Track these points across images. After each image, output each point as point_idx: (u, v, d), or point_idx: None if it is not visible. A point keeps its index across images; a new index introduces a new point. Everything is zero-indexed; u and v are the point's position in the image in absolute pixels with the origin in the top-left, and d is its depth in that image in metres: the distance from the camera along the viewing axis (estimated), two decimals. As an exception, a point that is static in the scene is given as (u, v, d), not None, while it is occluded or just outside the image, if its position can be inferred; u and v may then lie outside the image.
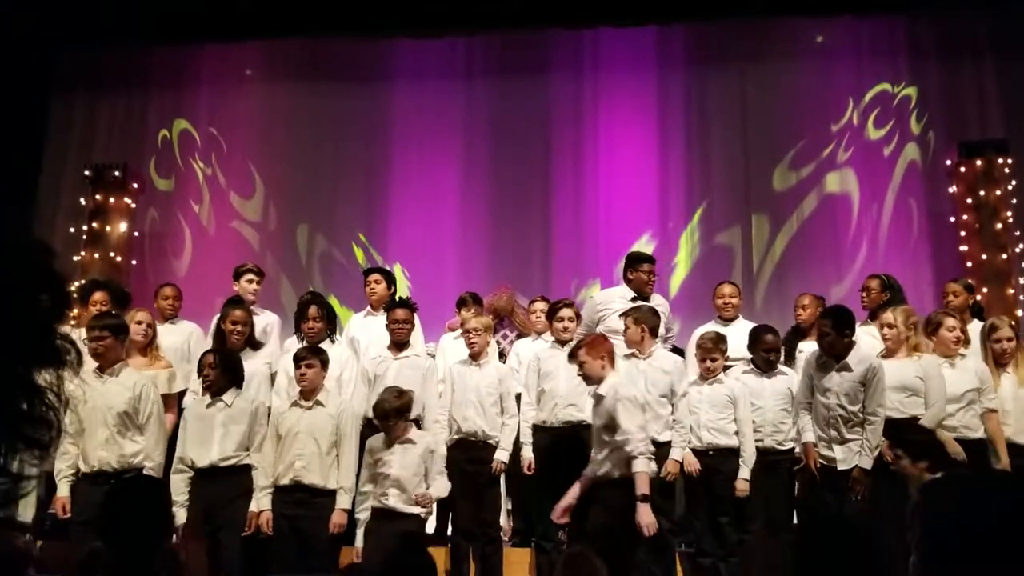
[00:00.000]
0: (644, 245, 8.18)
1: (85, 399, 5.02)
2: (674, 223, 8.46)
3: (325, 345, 5.77)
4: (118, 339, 5.26)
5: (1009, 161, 7.99)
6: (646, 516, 4.33)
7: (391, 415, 4.97)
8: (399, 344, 5.83)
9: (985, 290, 7.56)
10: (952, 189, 8.15)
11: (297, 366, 5.27)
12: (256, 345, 5.99)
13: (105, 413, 5.08)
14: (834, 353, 5.18)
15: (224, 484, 5.11)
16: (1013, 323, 6.87)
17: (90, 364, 5.13)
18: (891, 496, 5.04)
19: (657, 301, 6.09)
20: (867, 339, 5.69)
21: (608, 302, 6.11)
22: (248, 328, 5.93)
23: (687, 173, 8.52)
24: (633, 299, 5.96)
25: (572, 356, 4.85)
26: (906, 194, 8.29)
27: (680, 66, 8.72)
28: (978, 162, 7.99)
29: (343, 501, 5.07)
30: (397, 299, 6.02)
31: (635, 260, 6.20)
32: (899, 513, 4.61)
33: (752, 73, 8.63)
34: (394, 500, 4.93)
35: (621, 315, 5.61)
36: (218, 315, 6.18)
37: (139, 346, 5.76)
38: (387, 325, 5.86)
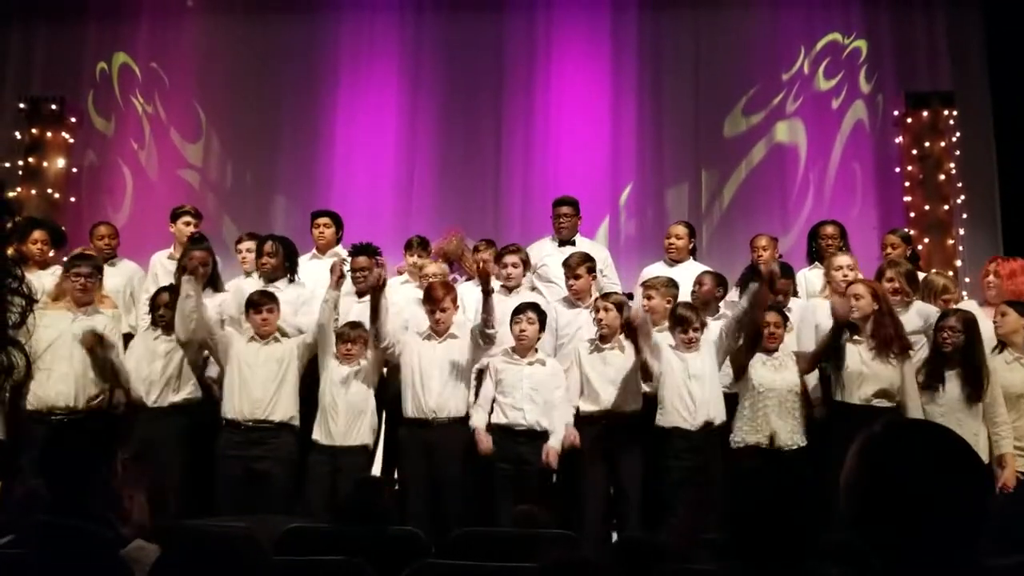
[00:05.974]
0: (594, 190, 8.15)
1: (30, 331, 4.90)
2: (624, 169, 8.42)
3: (283, 283, 5.67)
4: (99, 279, 5.42)
5: (955, 113, 8.07)
6: None
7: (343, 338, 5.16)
8: (360, 292, 5.69)
9: (927, 240, 7.69)
10: (898, 140, 8.22)
11: (257, 311, 5.20)
12: (218, 286, 5.79)
13: (72, 350, 5.09)
14: None
15: (161, 423, 5.11)
16: (951, 272, 7.03)
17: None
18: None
19: (586, 245, 6.34)
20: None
21: (539, 252, 6.34)
22: (210, 267, 5.70)
23: (638, 119, 8.44)
24: (561, 245, 6.30)
25: None
26: (853, 145, 8.32)
27: (634, 9, 8.59)
28: (924, 113, 8.05)
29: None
30: (361, 245, 5.77)
31: (554, 204, 6.48)
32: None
33: (705, 18, 8.55)
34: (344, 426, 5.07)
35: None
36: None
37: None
38: (350, 272, 5.67)
